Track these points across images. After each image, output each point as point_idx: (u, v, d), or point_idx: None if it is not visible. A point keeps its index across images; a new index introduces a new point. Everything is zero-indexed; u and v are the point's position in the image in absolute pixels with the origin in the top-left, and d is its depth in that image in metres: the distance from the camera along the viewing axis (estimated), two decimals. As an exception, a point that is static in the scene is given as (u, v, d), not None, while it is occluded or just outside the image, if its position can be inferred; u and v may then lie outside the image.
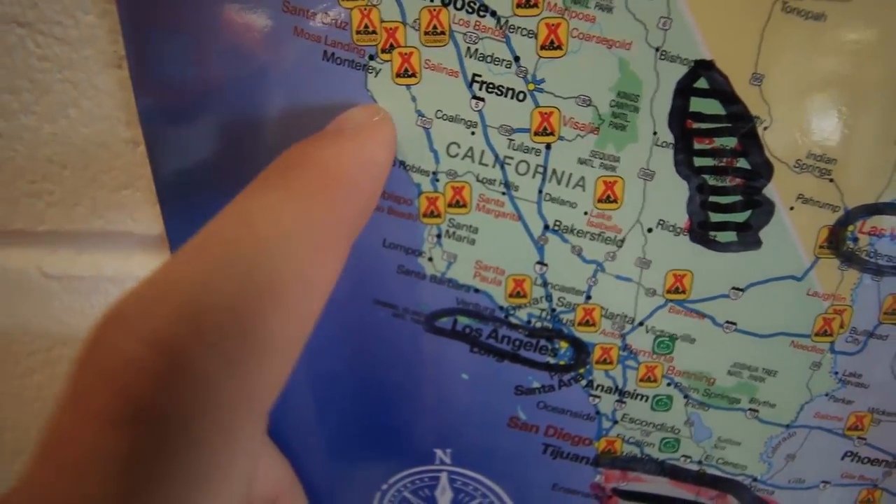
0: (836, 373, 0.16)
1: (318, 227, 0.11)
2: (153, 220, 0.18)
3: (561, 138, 0.15)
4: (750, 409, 0.17)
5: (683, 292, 0.16)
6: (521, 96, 0.14)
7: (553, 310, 0.17)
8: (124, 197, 0.17)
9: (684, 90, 0.14)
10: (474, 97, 0.14)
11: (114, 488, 0.08)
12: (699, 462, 0.18)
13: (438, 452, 0.19)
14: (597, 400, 0.18)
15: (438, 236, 0.16)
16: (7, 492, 0.08)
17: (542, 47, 0.14)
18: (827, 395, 0.17)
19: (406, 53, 0.14)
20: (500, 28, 0.14)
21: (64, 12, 0.16)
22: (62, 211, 0.18)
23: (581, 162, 0.15)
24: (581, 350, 0.17)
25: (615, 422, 0.18)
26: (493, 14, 0.14)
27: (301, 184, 0.11)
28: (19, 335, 0.20)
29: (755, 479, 0.18)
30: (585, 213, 0.15)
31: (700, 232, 0.15)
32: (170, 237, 0.17)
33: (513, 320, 0.17)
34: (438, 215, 0.16)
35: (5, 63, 0.16)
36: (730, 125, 0.14)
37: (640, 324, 0.16)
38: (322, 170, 0.12)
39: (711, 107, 0.14)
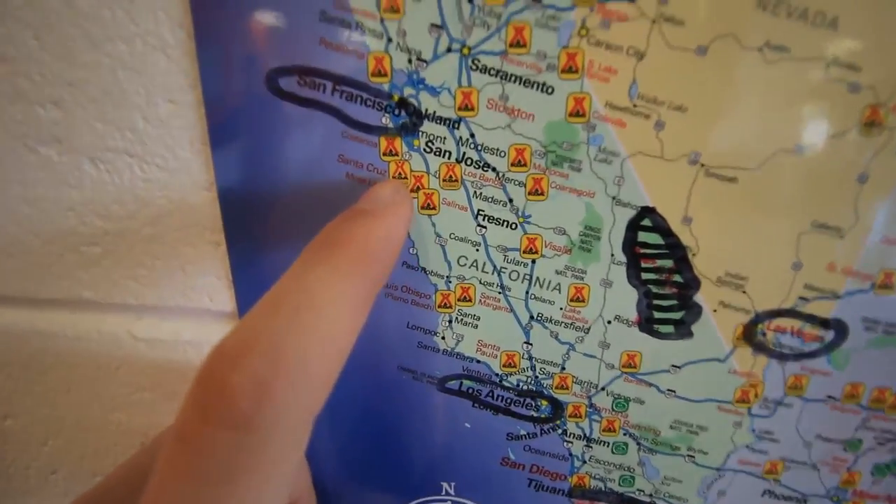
0: (754, 430, 0.21)
1: (354, 294, 0.15)
2: (227, 301, 0.22)
3: (543, 256, 0.20)
4: (688, 455, 0.22)
5: (635, 367, 0.21)
6: (513, 226, 0.19)
7: (536, 377, 0.21)
8: (204, 283, 0.22)
9: (633, 226, 0.19)
10: (479, 225, 0.19)
11: (225, 464, 0.12)
12: (650, 495, 0.23)
13: (444, 485, 0.24)
14: (570, 445, 0.22)
15: (450, 321, 0.21)
16: (157, 463, 0.13)
17: (530, 193, 0.19)
18: (747, 446, 0.22)
19: (429, 193, 0.19)
20: (499, 179, 0.19)
21: (166, 149, 0.20)
22: (152, 291, 0.23)
23: (558, 273, 0.20)
24: (558, 407, 0.22)
25: (584, 462, 0.23)
26: (494, 169, 0.19)
27: (343, 261, 0.15)
28: (107, 382, 0.25)
29: (694, 509, 0.23)
30: (561, 309, 0.20)
31: (647, 325, 0.20)
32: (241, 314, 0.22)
33: (506, 384, 0.22)
34: (450, 307, 0.21)
35: (115, 181, 0.21)
36: (668, 251, 0.19)
37: (602, 389, 0.21)
38: (357, 249, 0.15)
39: (654, 238, 0.19)
